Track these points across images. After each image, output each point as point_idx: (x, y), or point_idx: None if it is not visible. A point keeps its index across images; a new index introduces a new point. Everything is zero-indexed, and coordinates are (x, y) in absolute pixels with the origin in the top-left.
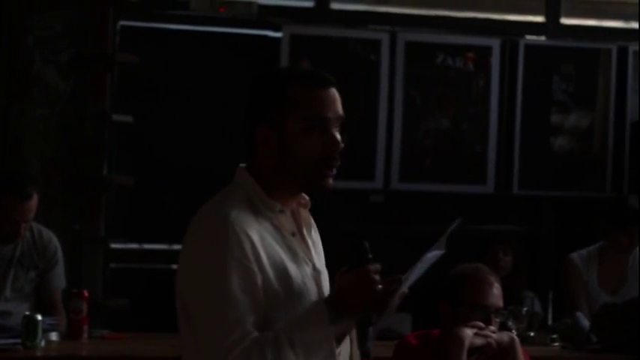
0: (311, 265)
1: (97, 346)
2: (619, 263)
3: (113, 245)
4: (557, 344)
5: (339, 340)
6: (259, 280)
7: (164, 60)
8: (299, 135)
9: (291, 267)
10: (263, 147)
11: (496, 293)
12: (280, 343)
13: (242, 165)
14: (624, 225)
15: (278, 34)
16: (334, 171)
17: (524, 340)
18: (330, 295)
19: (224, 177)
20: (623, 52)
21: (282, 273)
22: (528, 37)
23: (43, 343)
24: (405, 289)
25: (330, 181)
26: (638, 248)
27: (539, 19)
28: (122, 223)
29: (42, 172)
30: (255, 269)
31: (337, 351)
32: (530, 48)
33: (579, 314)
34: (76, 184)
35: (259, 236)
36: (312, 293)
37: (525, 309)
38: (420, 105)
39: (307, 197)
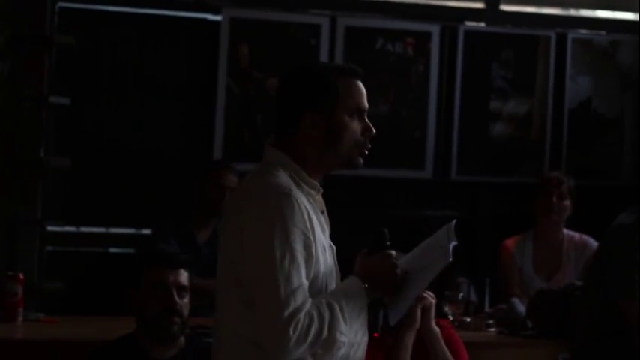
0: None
1: (32, 329)
2: (554, 249)
3: (50, 228)
4: (493, 330)
5: None
6: (313, 249)
7: (102, 42)
8: (345, 121)
9: (325, 241)
10: (311, 130)
11: None
12: (333, 308)
13: (269, 146)
14: (540, 188)
15: (217, 18)
16: (366, 152)
17: (461, 325)
18: (357, 273)
19: (162, 159)
20: (562, 39)
21: (321, 245)
22: (468, 23)
23: None
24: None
25: (362, 160)
26: (572, 236)
27: (479, 5)
28: (59, 205)
29: None
30: (311, 238)
31: None
32: (470, 34)
33: (515, 300)
34: (12, 166)
35: (308, 210)
36: (333, 266)
37: (461, 294)
38: None
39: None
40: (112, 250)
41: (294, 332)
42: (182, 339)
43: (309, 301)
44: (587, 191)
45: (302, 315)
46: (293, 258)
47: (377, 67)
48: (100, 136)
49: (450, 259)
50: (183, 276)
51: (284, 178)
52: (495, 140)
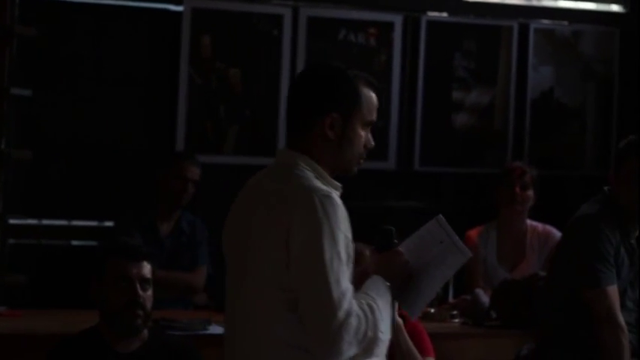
0: None
1: None
2: (517, 239)
3: (11, 221)
4: (457, 320)
5: None
6: (351, 250)
7: (64, 33)
8: (358, 130)
9: None
10: (329, 130)
11: None
12: (373, 309)
13: (283, 148)
14: (503, 178)
15: (179, 8)
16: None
17: (425, 316)
18: (375, 272)
19: (124, 151)
20: (524, 30)
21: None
22: (430, 13)
23: None
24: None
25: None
26: (536, 227)
27: None
28: (20, 198)
29: None
30: (350, 238)
31: None
32: (432, 24)
33: (479, 291)
34: None
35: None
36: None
37: None
38: None
39: None
40: (75, 242)
41: (347, 333)
42: (146, 332)
43: (355, 302)
44: (549, 181)
45: (353, 316)
46: (340, 260)
47: (339, 58)
48: (61, 128)
49: (470, 255)
50: (146, 268)
51: (314, 179)
52: (458, 130)
